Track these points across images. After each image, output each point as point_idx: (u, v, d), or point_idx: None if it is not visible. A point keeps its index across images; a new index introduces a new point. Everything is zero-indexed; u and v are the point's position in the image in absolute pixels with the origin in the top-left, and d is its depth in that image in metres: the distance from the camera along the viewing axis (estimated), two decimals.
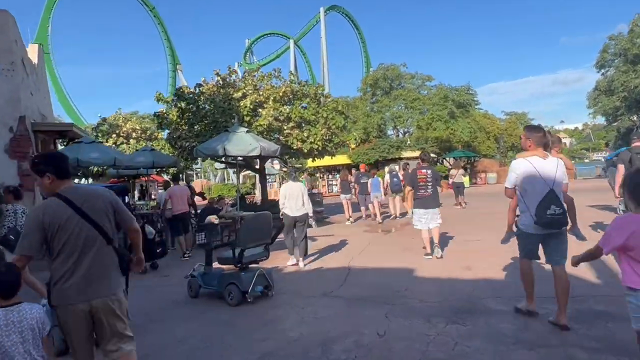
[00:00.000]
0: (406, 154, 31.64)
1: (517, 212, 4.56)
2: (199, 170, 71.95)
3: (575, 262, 3.15)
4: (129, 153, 19.82)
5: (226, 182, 50.71)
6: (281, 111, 14.34)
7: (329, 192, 33.35)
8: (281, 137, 14.18)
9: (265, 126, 13.33)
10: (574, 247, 4.18)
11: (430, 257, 7.87)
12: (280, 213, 8.34)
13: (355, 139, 15.20)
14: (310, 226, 9.46)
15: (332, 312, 5.35)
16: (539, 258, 4.48)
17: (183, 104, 14.11)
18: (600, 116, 34.77)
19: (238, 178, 13.72)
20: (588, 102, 35.31)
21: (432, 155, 32.34)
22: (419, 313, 5.03)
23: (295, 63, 76.95)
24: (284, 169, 45.04)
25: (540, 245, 4.41)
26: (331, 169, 33.75)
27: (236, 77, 15.52)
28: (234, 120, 11.99)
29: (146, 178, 25.16)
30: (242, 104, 13.59)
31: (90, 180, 33.78)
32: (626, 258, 2.67)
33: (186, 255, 9.75)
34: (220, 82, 15.24)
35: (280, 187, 31.83)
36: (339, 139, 15.54)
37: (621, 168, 7.25)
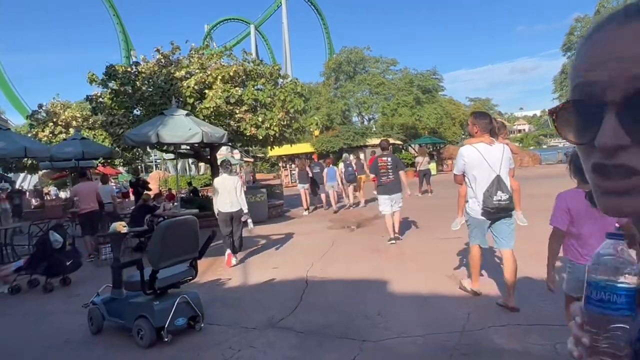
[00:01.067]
0: (371, 141, 30.36)
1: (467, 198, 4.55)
2: (158, 161, 68.99)
3: (551, 280, 2.94)
4: None
5: (188, 173, 47.93)
6: (232, 93, 12.64)
7: (292, 183, 31.77)
8: (232, 123, 12.49)
9: (211, 109, 11.60)
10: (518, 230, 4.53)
11: (394, 242, 8.07)
12: (216, 210, 7.73)
13: (317, 124, 13.69)
14: (246, 225, 8.16)
15: (278, 356, 3.84)
16: (486, 245, 4.56)
17: (116, 85, 12.18)
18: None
19: (176, 168, 11.92)
20: (554, 87, 34.92)
21: (398, 142, 31.21)
22: (400, 356, 3.59)
23: (256, 49, 74.57)
24: (246, 159, 42.99)
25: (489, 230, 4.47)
26: (294, 158, 32.14)
27: (180, 54, 13.65)
28: (172, 102, 10.21)
29: (92, 170, 22.86)
30: (184, 84, 11.79)
31: (23, 175, 31.01)
32: (570, 235, 2.83)
33: (91, 257, 8.68)
34: (162, 60, 13.37)
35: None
36: (299, 124, 13.97)
37: None
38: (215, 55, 13.86)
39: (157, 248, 4.14)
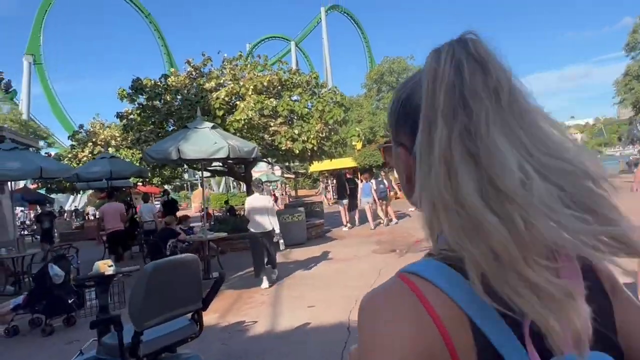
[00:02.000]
0: None
1: None
2: (196, 180, 69.73)
3: None
4: None
5: (232, 190, 47.09)
6: (266, 104, 11.67)
7: (334, 199, 30.57)
8: (266, 136, 11.49)
9: (243, 122, 10.62)
10: None
11: None
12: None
13: (359, 135, 12.42)
14: (278, 247, 7.71)
15: None
16: None
17: (143, 99, 11.46)
18: (630, 105, 31.34)
19: (203, 187, 10.96)
20: (616, 90, 32.07)
21: None
22: None
23: (297, 65, 74.76)
24: (287, 175, 42.08)
25: None
26: (336, 173, 30.99)
27: (212, 66, 12.85)
28: (198, 115, 9.30)
29: (130, 190, 22.62)
30: (214, 96, 10.90)
31: (73, 196, 31.14)
32: None
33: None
34: (193, 72, 12.61)
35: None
36: (339, 136, 12.82)
37: None
38: (249, 66, 12.98)
39: (141, 300, 3.00)
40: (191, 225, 10.72)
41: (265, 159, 12.11)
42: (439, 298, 0.57)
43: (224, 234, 9.22)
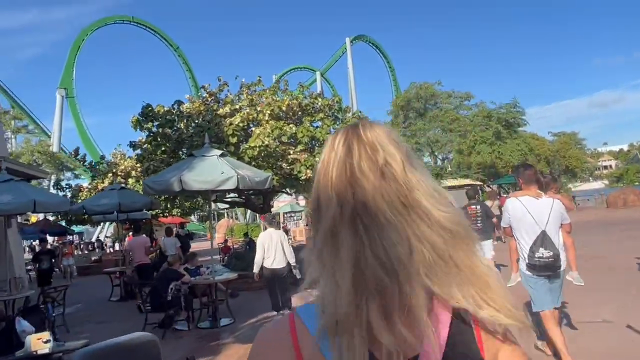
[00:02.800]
0: (447, 182, 27.51)
1: None
2: (222, 209, 69.17)
3: None
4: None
5: (257, 220, 45.65)
6: (284, 130, 10.82)
7: None
8: (284, 165, 10.57)
9: (258, 149, 9.73)
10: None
11: None
12: (256, 270, 7.32)
13: None
14: (296, 282, 6.42)
15: None
16: (553, 305, 3.99)
17: (152, 126, 10.75)
18: None
19: (211, 219, 10.02)
20: None
21: (477, 182, 28.04)
22: None
23: (322, 95, 74.65)
24: None
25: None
26: None
27: (229, 91, 12.14)
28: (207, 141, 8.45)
29: (150, 222, 22.06)
30: (227, 122, 10.09)
31: (100, 227, 30.86)
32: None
33: None
34: (209, 99, 11.91)
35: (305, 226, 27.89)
36: None
37: None
38: (267, 91, 12.21)
39: None
40: (201, 263, 9.76)
41: (284, 190, 11.16)
42: (303, 332, 0.69)
43: (234, 275, 8.19)
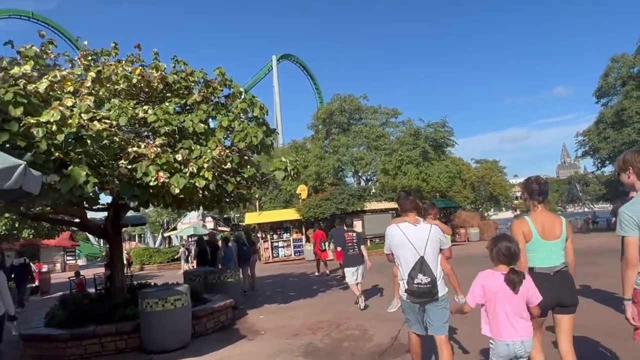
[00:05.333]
0: (371, 205, 24.66)
1: None
2: (132, 231, 61.99)
3: (454, 311, 3.70)
4: None
5: (173, 244, 39.00)
6: (135, 112, 7.06)
7: (272, 258, 25.57)
8: (123, 163, 6.69)
9: (56, 128, 5.68)
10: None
11: (364, 309, 8.79)
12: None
13: (286, 170, 7.95)
14: None
15: None
16: (423, 332, 4.13)
17: None
18: (605, 155, 28.39)
19: None
20: (579, 142, 29.59)
21: None
22: None
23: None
24: (222, 228, 36.09)
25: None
26: (276, 227, 26.15)
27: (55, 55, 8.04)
28: None
29: None
30: (5, 86, 5.98)
31: None
32: (485, 309, 3.20)
33: None
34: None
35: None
36: (254, 169, 8.21)
37: None
38: (124, 62, 8.31)
39: None
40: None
41: (125, 201, 7.14)
42: None
43: None
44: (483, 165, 43.74)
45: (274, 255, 25.98)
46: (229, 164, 7.53)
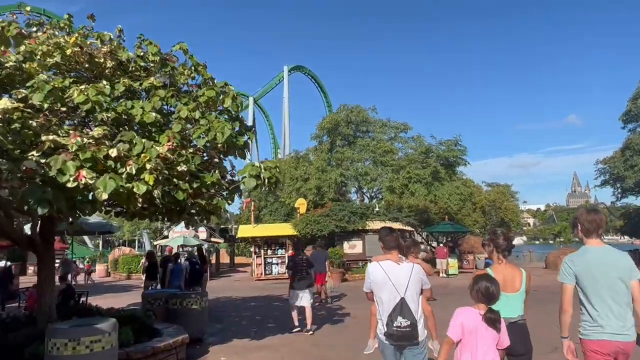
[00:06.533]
0: (374, 224, 22.82)
1: None
2: (122, 237, 60.15)
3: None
4: None
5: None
6: (68, 91, 5.45)
7: (265, 275, 23.72)
8: (35, 154, 5.02)
9: None
10: None
11: (298, 329, 9.10)
12: None
13: (258, 176, 6.48)
14: None
15: None
16: None
17: None
18: (613, 188, 26.46)
19: None
20: (600, 170, 27.62)
21: (410, 228, 23.55)
22: None
23: (254, 122, 70.31)
24: (215, 240, 34.03)
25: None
26: (271, 242, 24.34)
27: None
28: None
29: None
30: None
31: None
32: (459, 345, 3.27)
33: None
34: None
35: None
36: (218, 173, 6.47)
37: None
38: (78, 34, 6.68)
39: None
40: None
41: (33, 205, 5.41)
42: None
43: None
44: (495, 189, 41.75)
45: (267, 272, 24.12)
46: (183, 165, 5.84)
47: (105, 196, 5.10)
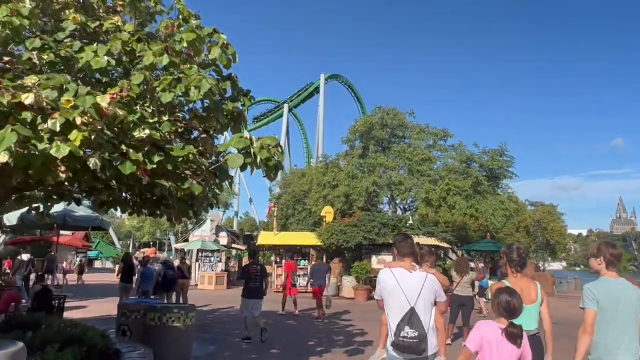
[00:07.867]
0: None
1: None
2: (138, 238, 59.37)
3: None
4: None
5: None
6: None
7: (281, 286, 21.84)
8: None
9: None
10: None
11: (249, 341, 8.89)
12: None
13: (251, 156, 5.00)
14: None
15: None
16: None
17: None
18: None
19: None
20: None
21: (447, 245, 21.24)
22: None
23: (287, 129, 69.50)
24: (236, 246, 32.28)
25: None
26: (293, 251, 22.51)
27: None
28: None
29: None
30: None
31: None
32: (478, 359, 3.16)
33: None
34: None
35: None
36: (189, 149, 4.66)
37: None
38: None
39: None
40: None
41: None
42: None
43: None
44: (540, 209, 38.65)
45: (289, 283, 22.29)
46: (142, 130, 4.09)
47: (3, 157, 3.38)
